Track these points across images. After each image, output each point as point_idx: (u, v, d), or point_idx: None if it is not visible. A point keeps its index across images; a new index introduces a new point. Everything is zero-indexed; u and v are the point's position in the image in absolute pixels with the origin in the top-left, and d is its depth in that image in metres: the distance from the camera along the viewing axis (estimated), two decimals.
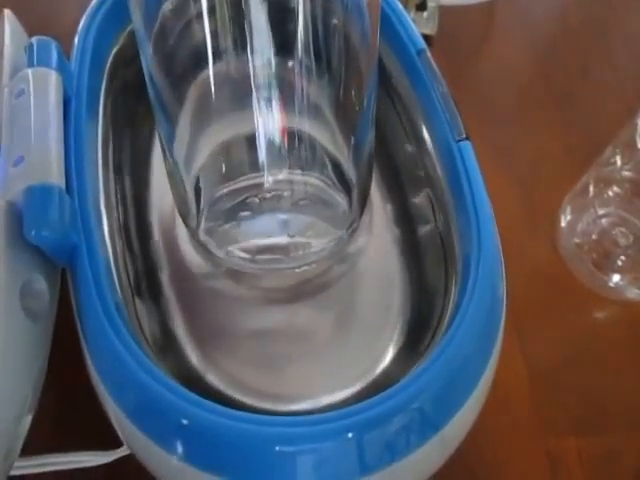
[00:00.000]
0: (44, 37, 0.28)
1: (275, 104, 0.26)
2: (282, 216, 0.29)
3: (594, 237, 0.40)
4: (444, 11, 0.47)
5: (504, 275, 0.26)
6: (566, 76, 0.48)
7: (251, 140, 0.27)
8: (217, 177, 0.29)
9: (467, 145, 0.27)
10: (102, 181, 0.27)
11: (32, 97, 0.25)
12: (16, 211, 0.24)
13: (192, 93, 0.27)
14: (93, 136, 0.28)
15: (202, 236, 0.28)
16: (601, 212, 0.40)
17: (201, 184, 0.29)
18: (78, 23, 0.30)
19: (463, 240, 0.26)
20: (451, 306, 0.25)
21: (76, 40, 0.29)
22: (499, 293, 0.26)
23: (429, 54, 0.28)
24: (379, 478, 0.23)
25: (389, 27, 0.30)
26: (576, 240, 0.40)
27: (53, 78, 0.26)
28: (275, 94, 0.26)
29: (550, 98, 0.46)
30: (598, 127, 0.44)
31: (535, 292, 0.39)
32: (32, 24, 0.30)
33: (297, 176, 0.28)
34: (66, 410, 0.32)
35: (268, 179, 0.28)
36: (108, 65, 0.30)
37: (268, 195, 0.28)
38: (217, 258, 0.28)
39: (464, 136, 0.27)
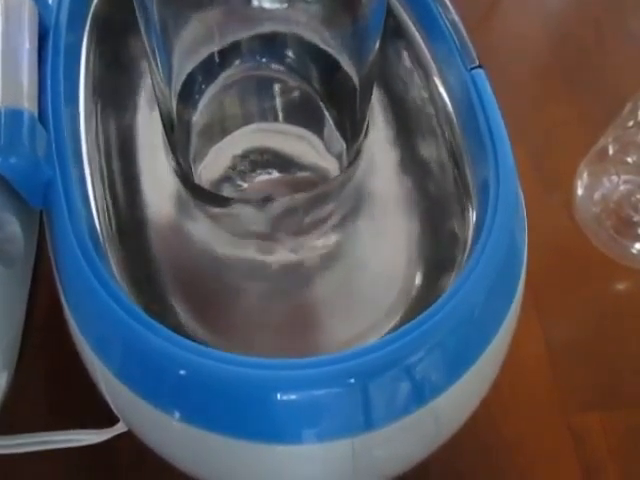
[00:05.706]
0: None
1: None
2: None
3: (613, 203, 0.38)
4: None
5: (524, 216, 0.24)
6: (578, 43, 0.46)
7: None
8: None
9: (480, 73, 0.24)
10: (83, 119, 0.25)
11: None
12: None
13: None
14: (74, 73, 0.26)
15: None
16: (620, 177, 0.38)
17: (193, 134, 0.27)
18: None
19: (479, 173, 0.23)
20: (471, 233, 0.22)
21: None
22: (519, 235, 0.23)
23: None
24: (387, 434, 0.20)
25: None
26: (594, 207, 0.38)
27: (26, 3, 0.24)
28: None
29: (562, 66, 0.45)
30: (613, 95, 0.42)
31: (553, 263, 0.37)
32: None
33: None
34: (61, 388, 0.31)
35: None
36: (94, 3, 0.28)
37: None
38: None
39: (477, 64, 0.24)
